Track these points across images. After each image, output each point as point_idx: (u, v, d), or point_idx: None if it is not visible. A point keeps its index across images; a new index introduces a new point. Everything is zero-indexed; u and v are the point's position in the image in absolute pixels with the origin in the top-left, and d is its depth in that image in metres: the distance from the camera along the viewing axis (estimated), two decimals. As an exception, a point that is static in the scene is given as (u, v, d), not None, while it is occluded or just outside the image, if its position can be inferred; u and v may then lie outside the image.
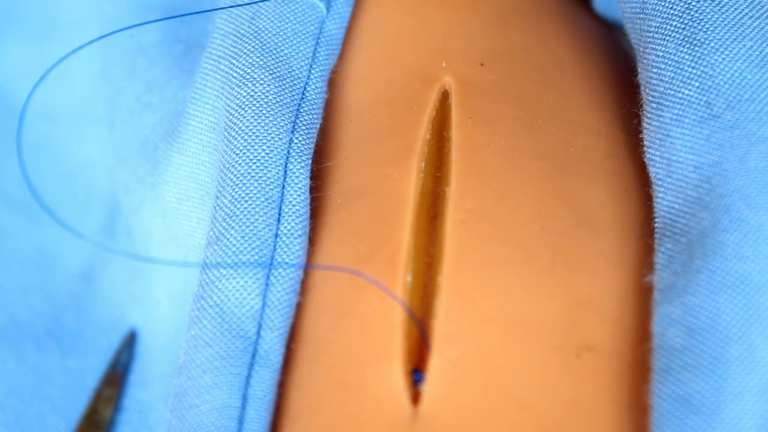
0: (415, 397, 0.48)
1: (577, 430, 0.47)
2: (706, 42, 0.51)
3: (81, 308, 0.62)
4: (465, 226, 0.50)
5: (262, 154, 0.52)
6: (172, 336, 0.59)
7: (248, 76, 0.54)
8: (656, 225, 0.51)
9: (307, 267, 0.52)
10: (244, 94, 0.53)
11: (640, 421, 0.48)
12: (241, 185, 0.52)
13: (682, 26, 0.52)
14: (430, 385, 0.48)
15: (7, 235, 0.65)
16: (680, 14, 0.52)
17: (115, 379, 0.59)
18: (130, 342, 0.60)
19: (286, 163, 0.53)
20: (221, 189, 0.53)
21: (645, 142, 0.52)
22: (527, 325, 0.48)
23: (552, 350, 0.48)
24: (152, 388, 0.59)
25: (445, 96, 0.54)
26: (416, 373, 0.48)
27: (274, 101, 0.53)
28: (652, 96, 0.52)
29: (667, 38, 0.52)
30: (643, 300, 0.50)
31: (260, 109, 0.53)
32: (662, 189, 0.51)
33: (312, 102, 0.54)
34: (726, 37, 0.51)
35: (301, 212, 0.52)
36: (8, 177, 0.67)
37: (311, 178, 0.53)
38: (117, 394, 0.59)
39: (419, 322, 0.49)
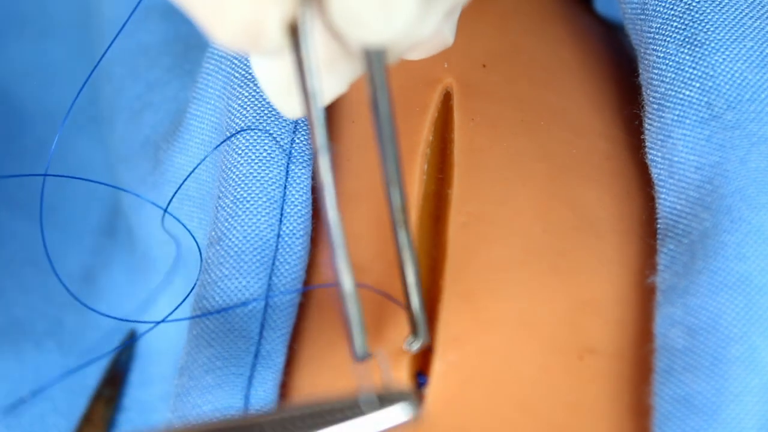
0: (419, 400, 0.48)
1: None
2: (707, 42, 0.51)
3: (81, 308, 0.62)
4: (467, 229, 0.50)
5: (264, 154, 0.52)
6: (172, 336, 0.59)
7: (250, 76, 0.54)
8: (659, 226, 0.51)
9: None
10: (246, 94, 0.53)
11: (642, 422, 0.48)
12: (243, 185, 0.52)
13: (683, 27, 0.52)
14: (433, 388, 0.48)
15: (8, 235, 0.65)
16: (681, 15, 0.52)
17: (115, 379, 0.59)
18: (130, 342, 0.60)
19: (288, 164, 0.52)
20: (223, 189, 0.53)
21: (646, 143, 0.52)
22: (529, 328, 0.48)
23: (554, 352, 0.48)
24: (152, 388, 0.59)
25: (447, 97, 0.54)
26: (419, 376, 0.48)
27: (275, 101, 0.53)
28: (653, 97, 0.52)
29: (668, 39, 0.52)
30: (644, 301, 0.50)
31: (262, 108, 0.53)
32: (664, 190, 0.51)
33: (314, 102, 0.54)
34: (726, 37, 0.51)
35: (303, 212, 0.52)
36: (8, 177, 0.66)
37: (313, 179, 0.53)
38: (117, 394, 0.59)
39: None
